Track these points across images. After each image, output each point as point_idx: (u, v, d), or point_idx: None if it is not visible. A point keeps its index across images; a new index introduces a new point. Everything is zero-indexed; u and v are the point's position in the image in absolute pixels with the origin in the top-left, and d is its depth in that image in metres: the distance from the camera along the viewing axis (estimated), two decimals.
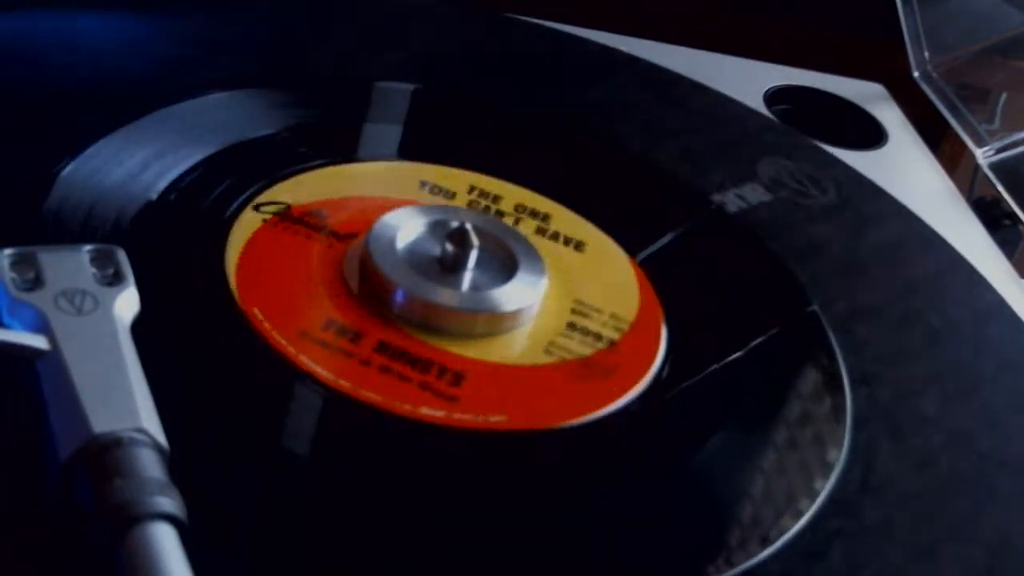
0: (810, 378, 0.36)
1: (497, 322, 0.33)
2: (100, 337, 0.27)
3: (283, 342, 0.31)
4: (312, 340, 0.31)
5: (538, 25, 0.52)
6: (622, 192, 0.42)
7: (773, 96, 0.53)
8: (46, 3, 0.43)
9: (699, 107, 0.50)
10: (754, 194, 0.42)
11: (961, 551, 0.31)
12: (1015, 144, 0.52)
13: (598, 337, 0.34)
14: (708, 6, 0.63)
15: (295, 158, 0.38)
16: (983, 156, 0.52)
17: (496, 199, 0.39)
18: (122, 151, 0.36)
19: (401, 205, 0.36)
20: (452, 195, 0.39)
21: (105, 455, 0.24)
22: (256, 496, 0.27)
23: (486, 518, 0.28)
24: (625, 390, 0.32)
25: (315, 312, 0.32)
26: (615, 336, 0.34)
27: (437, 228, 0.35)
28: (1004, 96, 0.57)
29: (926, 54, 0.56)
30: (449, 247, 0.34)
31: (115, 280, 0.29)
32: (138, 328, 0.28)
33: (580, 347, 0.33)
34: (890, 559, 0.30)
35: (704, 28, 0.58)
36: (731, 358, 0.35)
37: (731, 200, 0.42)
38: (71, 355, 0.26)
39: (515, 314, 0.33)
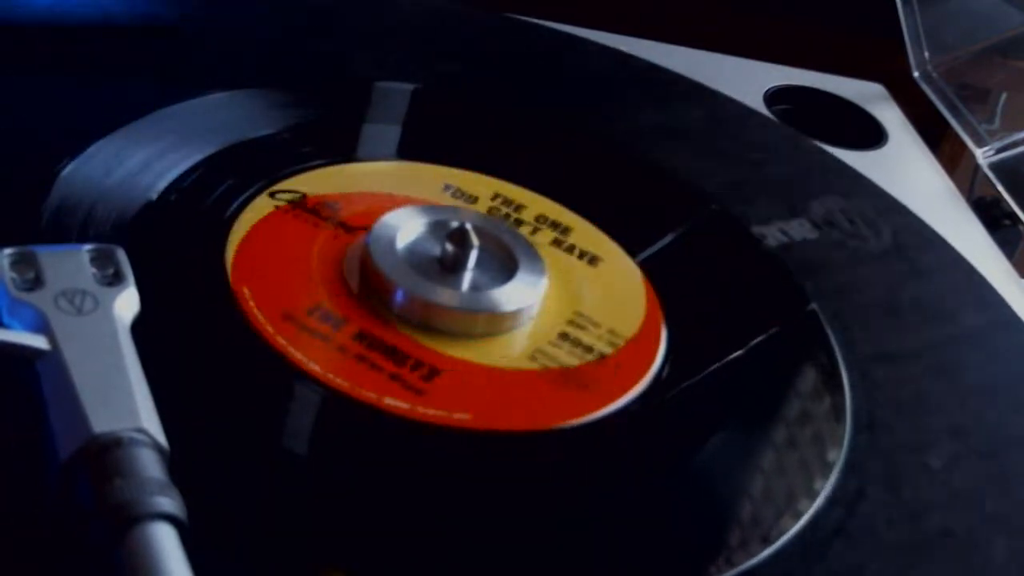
0: (810, 378, 0.36)
1: (497, 322, 0.33)
2: (100, 337, 0.27)
3: (263, 321, 0.31)
4: (295, 323, 0.32)
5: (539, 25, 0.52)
6: (622, 193, 0.42)
7: (773, 96, 0.53)
8: (46, 3, 0.44)
9: (699, 107, 0.50)
10: (800, 230, 0.41)
11: (960, 549, 0.31)
12: (1015, 144, 0.52)
13: (588, 349, 0.33)
14: (708, 6, 0.63)
15: (295, 158, 0.38)
16: (983, 156, 0.52)
17: (519, 208, 0.39)
18: (122, 151, 0.36)
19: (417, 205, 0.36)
20: (474, 200, 0.39)
21: (105, 455, 0.24)
22: (256, 496, 0.27)
23: (447, 514, 0.28)
24: (601, 404, 0.32)
25: (304, 296, 0.33)
26: (607, 350, 0.34)
27: (437, 228, 0.35)
28: (1004, 96, 0.57)
29: (926, 54, 0.56)
30: (449, 247, 0.34)
31: (115, 280, 0.29)
32: (138, 328, 0.28)
33: (567, 357, 0.33)
34: (889, 559, 0.30)
35: (704, 28, 0.58)
36: (731, 358, 0.35)
37: (772, 234, 0.41)
38: (71, 355, 0.26)
39: (514, 314, 0.33)
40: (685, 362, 0.34)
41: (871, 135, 0.53)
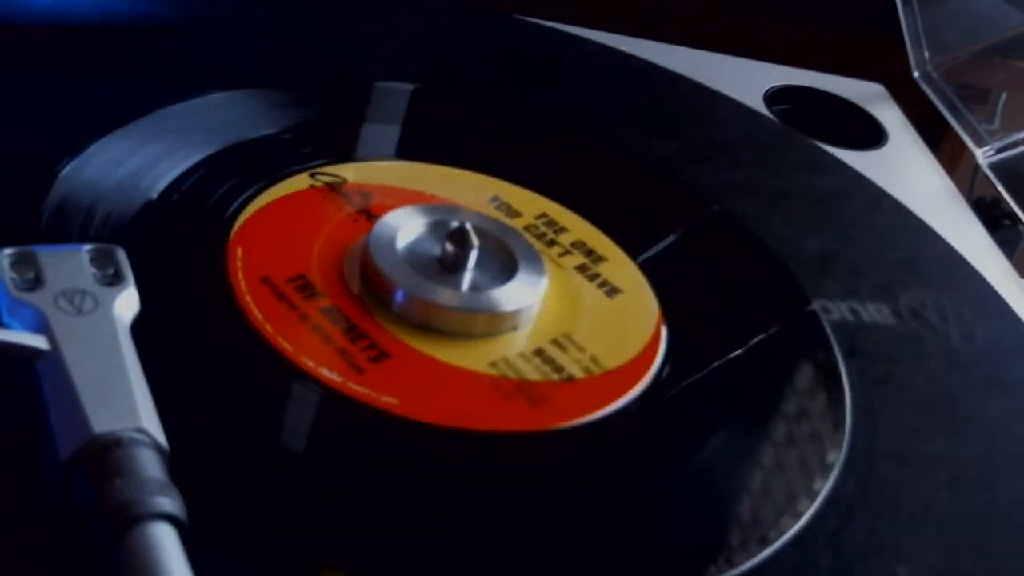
0: (810, 378, 0.36)
1: (496, 322, 0.33)
2: (100, 337, 0.27)
3: (240, 279, 0.32)
4: (269, 286, 0.32)
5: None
6: (622, 193, 0.42)
7: (773, 96, 0.53)
8: (46, 3, 0.44)
9: (699, 107, 0.50)
10: (876, 314, 0.38)
11: (960, 549, 0.31)
12: (1015, 144, 0.52)
13: (559, 370, 0.33)
14: (708, 6, 0.63)
15: (295, 158, 0.38)
16: (983, 156, 0.52)
17: (559, 230, 0.38)
18: (122, 151, 0.36)
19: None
20: (517, 215, 0.39)
21: (105, 455, 0.24)
22: (256, 496, 0.27)
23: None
24: (543, 424, 0.31)
25: (291, 266, 0.33)
26: (579, 375, 0.33)
27: (437, 228, 0.35)
28: (1004, 96, 0.57)
29: (926, 54, 0.56)
30: (449, 247, 0.34)
31: (115, 280, 0.29)
32: (138, 328, 0.28)
33: (531, 372, 0.32)
34: (889, 559, 0.30)
35: (704, 28, 0.58)
36: (730, 358, 0.35)
37: (837, 309, 0.37)
38: (71, 355, 0.26)
39: (514, 315, 0.33)
40: (685, 362, 0.34)
41: (871, 135, 0.53)
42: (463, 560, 0.27)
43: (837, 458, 0.32)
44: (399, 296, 0.33)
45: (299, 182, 0.37)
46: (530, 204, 0.39)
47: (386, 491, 0.28)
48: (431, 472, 0.29)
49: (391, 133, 0.43)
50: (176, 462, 0.25)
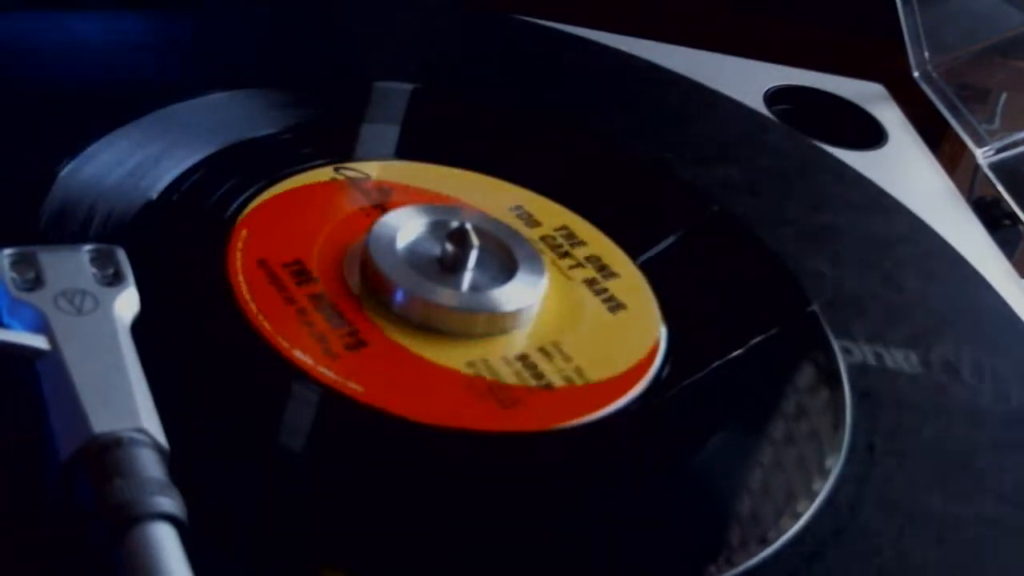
0: (810, 379, 0.36)
1: (496, 322, 0.33)
2: (100, 337, 0.27)
3: (236, 262, 0.33)
4: (264, 268, 0.33)
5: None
6: (622, 193, 0.42)
7: (773, 96, 0.53)
8: (46, 3, 0.43)
9: (699, 107, 0.50)
10: (902, 361, 0.35)
11: (959, 548, 0.31)
12: (1015, 144, 0.52)
13: (539, 376, 0.32)
14: (708, 6, 0.63)
15: (295, 158, 0.38)
16: (983, 156, 0.52)
17: (576, 244, 0.38)
18: (122, 151, 0.36)
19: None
20: (537, 225, 0.38)
21: (105, 455, 0.24)
22: (256, 496, 0.27)
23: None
24: (510, 427, 0.31)
25: (291, 251, 0.34)
26: (558, 384, 0.32)
27: (437, 228, 0.35)
28: (1004, 96, 0.57)
29: (926, 54, 0.56)
30: (449, 247, 0.34)
31: (115, 280, 0.29)
32: (138, 328, 0.28)
33: (509, 375, 0.32)
34: (888, 560, 0.30)
35: (704, 28, 0.58)
36: (730, 358, 0.35)
37: (860, 351, 0.36)
38: (71, 355, 0.26)
39: (514, 314, 0.33)
40: (685, 362, 0.34)
41: (871, 135, 0.53)
42: (463, 560, 0.27)
43: (837, 459, 0.32)
44: (399, 296, 0.33)
45: (323, 174, 0.38)
46: (552, 215, 0.39)
47: (337, 481, 0.28)
48: (383, 462, 0.29)
49: (391, 133, 0.43)
50: (176, 462, 0.25)
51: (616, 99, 0.49)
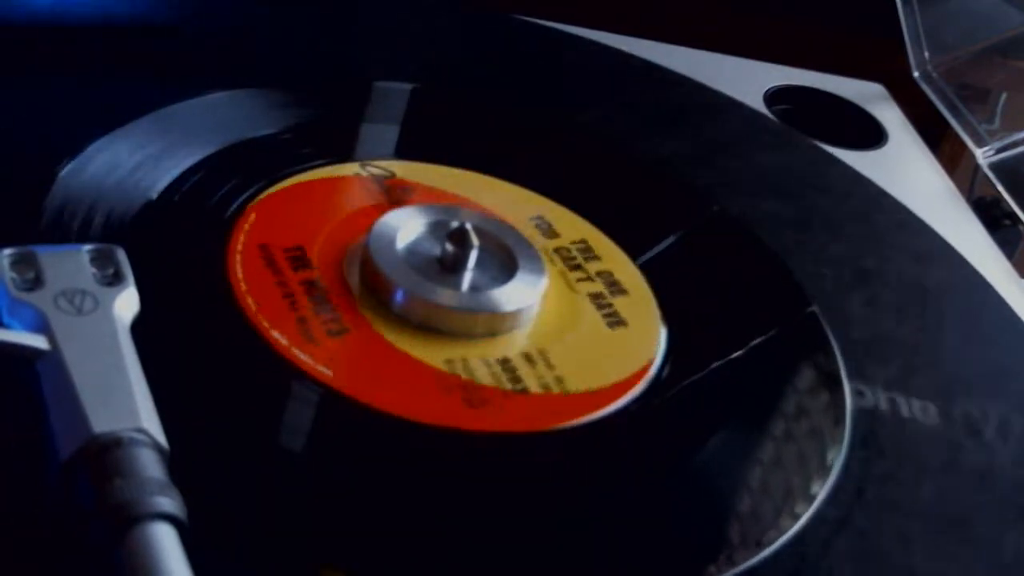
0: (810, 379, 0.36)
1: (496, 322, 0.33)
2: (100, 337, 0.27)
3: (238, 245, 0.33)
4: (263, 252, 0.33)
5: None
6: (622, 193, 0.42)
7: (773, 96, 0.53)
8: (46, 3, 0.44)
9: (699, 107, 0.50)
10: (918, 412, 0.34)
11: (959, 549, 0.31)
12: (1015, 144, 0.52)
13: (516, 380, 0.32)
14: (708, 6, 0.63)
15: (295, 158, 0.38)
16: (983, 156, 0.52)
17: (591, 258, 0.38)
18: (122, 151, 0.36)
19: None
20: (555, 236, 0.38)
21: (105, 455, 0.24)
22: (256, 496, 0.27)
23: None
24: (474, 426, 0.30)
25: (294, 237, 0.34)
26: (535, 390, 0.32)
27: (437, 228, 0.35)
28: (1004, 96, 0.57)
29: (926, 54, 0.56)
30: (449, 247, 0.34)
31: (115, 280, 0.29)
32: (138, 328, 0.28)
33: (484, 376, 0.32)
34: (888, 560, 0.30)
35: (704, 28, 0.58)
36: (730, 359, 0.35)
37: (874, 398, 0.34)
38: (71, 355, 0.26)
39: (514, 314, 0.33)
40: (685, 362, 0.34)
41: (871, 135, 0.53)
42: (463, 560, 0.27)
43: (836, 459, 0.32)
44: (399, 296, 0.33)
45: (350, 169, 0.39)
46: (572, 228, 0.39)
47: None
48: (342, 447, 0.29)
49: (390, 133, 0.43)
50: (176, 462, 0.25)
51: (616, 99, 0.49)
